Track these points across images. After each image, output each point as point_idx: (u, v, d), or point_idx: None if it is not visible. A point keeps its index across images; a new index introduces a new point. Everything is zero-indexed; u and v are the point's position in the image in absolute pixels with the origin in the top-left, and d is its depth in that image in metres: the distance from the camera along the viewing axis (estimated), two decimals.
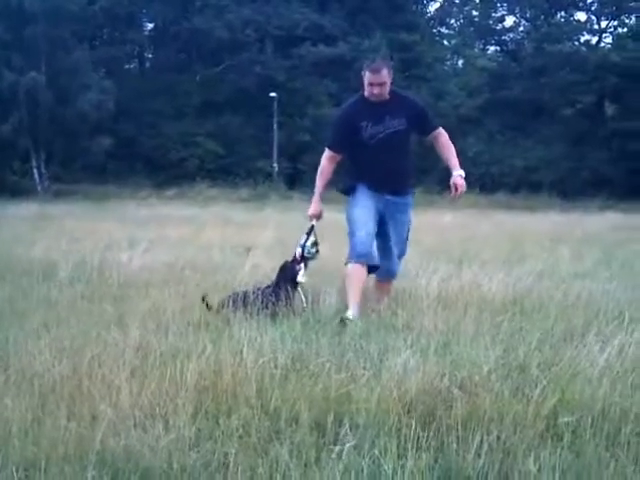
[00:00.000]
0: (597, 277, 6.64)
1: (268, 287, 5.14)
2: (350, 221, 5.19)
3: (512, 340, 3.88)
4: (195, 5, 38.57)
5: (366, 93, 5.16)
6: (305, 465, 2.35)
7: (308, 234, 5.23)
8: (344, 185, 5.33)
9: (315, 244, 5.21)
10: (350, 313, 4.60)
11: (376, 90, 5.08)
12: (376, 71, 5.07)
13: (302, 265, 5.16)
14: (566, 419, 2.67)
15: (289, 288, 5.03)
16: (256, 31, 38.19)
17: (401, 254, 5.43)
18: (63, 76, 31.31)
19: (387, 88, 5.13)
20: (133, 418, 2.72)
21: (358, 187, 5.22)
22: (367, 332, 4.09)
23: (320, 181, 5.30)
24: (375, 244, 5.16)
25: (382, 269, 5.22)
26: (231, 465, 2.37)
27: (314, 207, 5.30)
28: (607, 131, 37.99)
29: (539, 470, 2.32)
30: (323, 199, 5.30)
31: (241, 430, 2.62)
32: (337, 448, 2.40)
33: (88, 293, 5.65)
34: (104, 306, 4.98)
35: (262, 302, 4.76)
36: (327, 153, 5.28)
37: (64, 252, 7.69)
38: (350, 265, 5.00)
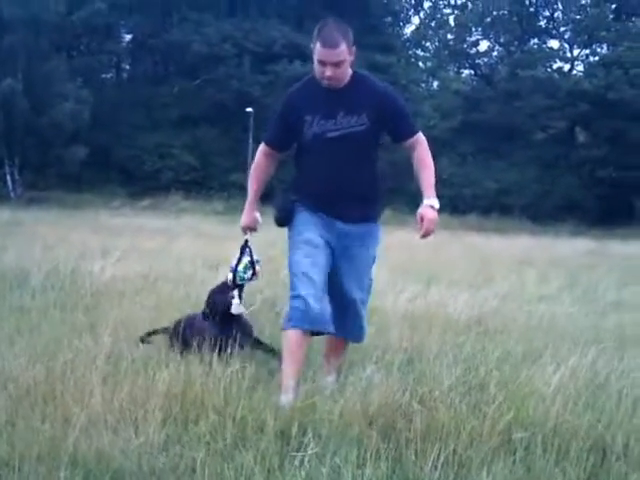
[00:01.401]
0: (560, 301, 6.83)
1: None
2: (291, 270, 3.61)
3: (473, 359, 4.02)
4: (174, 18, 38.69)
5: (319, 78, 3.58)
6: (269, 471, 2.46)
7: (241, 253, 4.01)
8: (279, 209, 3.78)
9: (251, 265, 4.00)
10: (284, 399, 3.23)
11: (329, 72, 3.51)
12: (329, 44, 3.47)
13: (235, 293, 4.11)
14: (519, 435, 2.80)
15: (220, 322, 4.13)
16: (234, 46, 38.43)
17: (363, 303, 3.80)
18: (40, 85, 31.26)
19: (346, 70, 3.58)
20: (105, 422, 2.81)
21: (297, 211, 3.71)
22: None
23: (253, 182, 3.91)
24: (327, 299, 3.60)
25: (339, 329, 3.66)
26: (198, 469, 2.47)
27: (247, 217, 3.95)
28: (578, 157, 38.71)
29: (489, 475, 2.44)
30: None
31: (208, 436, 2.72)
32: (300, 455, 2.52)
33: (61, 301, 5.66)
34: (76, 314, 5.04)
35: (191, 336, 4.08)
36: (262, 147, 3.91)
37: (37, 260, 7.71)
38: (289, 331, 3.49)
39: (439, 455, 2.60)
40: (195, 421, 2.89)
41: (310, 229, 3.63)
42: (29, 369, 3.34)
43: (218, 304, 4.17)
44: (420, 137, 3.78)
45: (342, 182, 3.65)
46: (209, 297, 4.28)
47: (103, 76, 42.65)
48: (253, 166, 3.94)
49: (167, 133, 36.65)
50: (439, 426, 2.78)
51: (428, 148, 3.80)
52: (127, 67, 44.79)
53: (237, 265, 4.01)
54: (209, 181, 34.95)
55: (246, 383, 3.29)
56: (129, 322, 4.71)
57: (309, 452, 2.50)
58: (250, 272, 4.02)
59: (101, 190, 31.03)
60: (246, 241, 4.02)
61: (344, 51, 3.48)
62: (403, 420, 2.84)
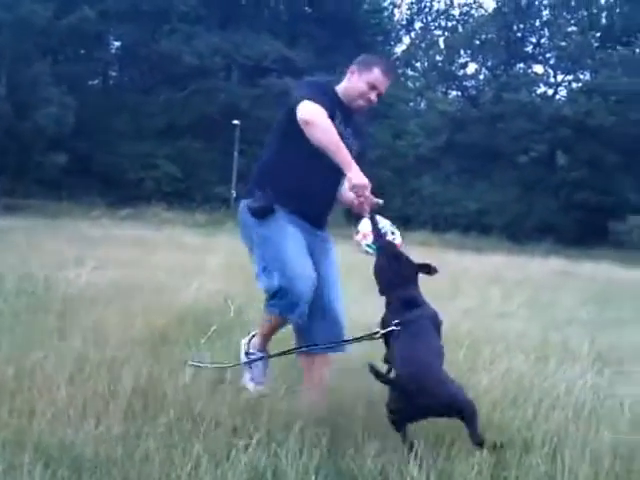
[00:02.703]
0: (518, 317, 7.12)
1: None
2: (282, 257, 3.55)
3: None
4: (164, 29, 38.96)
5: (356, 96, 3.72)
6: (216, 459, 2.70)
7: (375, 225, 3.59)
8: (259, 202, 3.67)
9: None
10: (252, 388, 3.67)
11: (374, 97, 3.73)
12: (390, 74, 3.77)
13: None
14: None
15: None
16: (224, 58, 38.77)
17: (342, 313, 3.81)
18: (24, 89, 31.20)
19: None
20: (68, 416, 3.04)
21: (279, 212, 3.66)
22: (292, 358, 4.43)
23: (340, 144, 3.44)
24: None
25: (323, 336, 3.64)
26: (150, 458, 2.70)
27: (361, 175, 3.43)
28: (557, 180, 39.31)
29: (416, 465, 2.69)
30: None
31: (164, 428, 2.96)
32: (242, 443, 2.77)
33: (33, 305, 5.78)
34: (48, 318, 5.22)
35: None
36: (321, 110, 3.47)
37: (11, 265, 7.85)
38: (276, 317, 3.63)
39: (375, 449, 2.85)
40: (155, 417, 3.12)
41: (294, 228, 3.66)
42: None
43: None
44: None
45: (331, 198, 3.84)
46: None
47: (90, 83, 42.81)
48: (326, 128, 3.44)
49: (151, 143, 36.75)
50: (378, 423, 3.04)
51: None
52: (114, 74, 44.99)
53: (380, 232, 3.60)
54: (192, 193, 35.00)
55: (208, 386, 3.53)
56: (99, 327, 4.91)
57: (253, 441, 2.74)
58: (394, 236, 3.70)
59: (81, 198, 30.87)
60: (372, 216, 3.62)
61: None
62: (346, 416, 3.10)
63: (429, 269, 3.49)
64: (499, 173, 40.18)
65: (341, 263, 3.94)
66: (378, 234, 3.56)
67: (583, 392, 3.75)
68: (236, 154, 35.97)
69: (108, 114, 37.02)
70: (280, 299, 3.52)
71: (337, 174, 3.55)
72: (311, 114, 3.45)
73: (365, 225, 3.65)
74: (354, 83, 3.71)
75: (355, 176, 3.39)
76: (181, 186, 35.69)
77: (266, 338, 3.82)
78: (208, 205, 33.35)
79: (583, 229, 35.96)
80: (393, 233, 3.71)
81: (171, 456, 2.70)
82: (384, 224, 3.67)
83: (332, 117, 3.52)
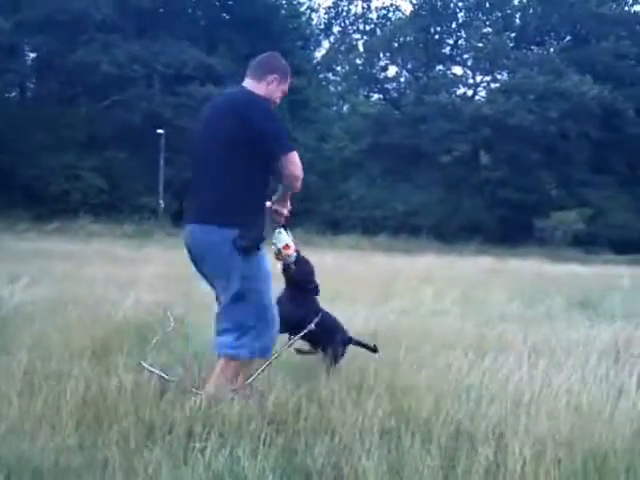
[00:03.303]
0: (452, 314, 7.36)
1: None
2: (265, 303, 3.80)
3: (366, 364, 4.42)
4: (81, 39, 38.25)
5: (275, 100, 4.04)
6: (175, 464, 2.77)
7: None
8: (247, 241, 3.73)
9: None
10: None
11: (279, 100, 4.12)
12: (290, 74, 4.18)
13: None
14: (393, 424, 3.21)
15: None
16: (143, 67, 38.29)
17: None
18: None
19: None
20: (22, 428, 3.06)
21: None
22: None
23: None
24: None
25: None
26: (110, 466, 2.76)
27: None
28: (481, 179, 40.32)
29: (368, 459, 2.82)
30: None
31: (118, 436, 3.01)
32: (200, 447, 2.85)
33: None
34: None
35: None
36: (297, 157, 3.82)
37: None
38: (248, 361, 3.80)
39: (326, 445, 2.97)
40: (108, 426, 3.17)
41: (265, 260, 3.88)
42: None
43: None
44: None
45: None
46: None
47: (6, 95, 41.72)
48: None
49: (75, 154, 35.97)
50: (325, 421, 3.16)
51: None
52: (32, 86, 43.93)
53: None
54: (119, 204, 34.48)
55: (153, 392, 3.59)
56: (41, 342, 4.89)
57: (210, 443, 2.82)
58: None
59: (4, 213, 30.10)
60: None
61: None
62: (296, 417, 3.20)
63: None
64: (424, 174, 40.94)
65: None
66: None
67: (520, 383, 3.95)
68: (162, 163, 35.63)
69: (27, 127, 36.04)
70: (253, 340, 3.72)
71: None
72: (301, 170, 3.81)
73: (282, 238, 4.17)
74: (272, 91, 3.97)
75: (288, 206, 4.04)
76: (107, 198, 35.08)
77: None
78: (136, 216, 32.96)
79: (509, 227, 36.99)
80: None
81: (130, 462, 2.76)
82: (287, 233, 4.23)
83: None
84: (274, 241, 4.16)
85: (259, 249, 3.77)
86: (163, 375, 3.93)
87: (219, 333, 3.81)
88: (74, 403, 3.32)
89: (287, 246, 4.19)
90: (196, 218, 3.85)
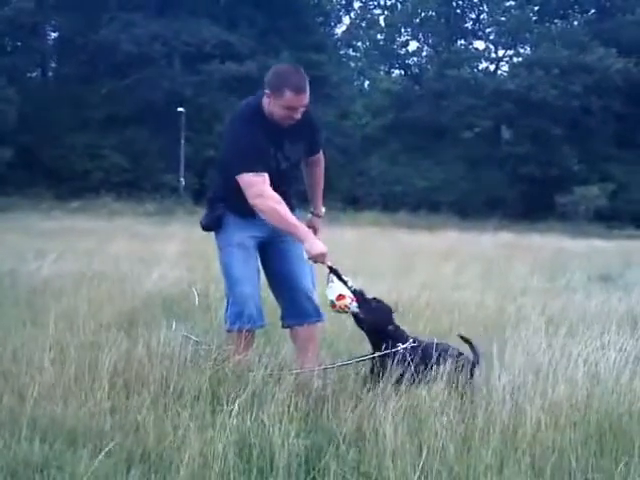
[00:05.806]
0: (473, 289, 7.42)
1: None
2: (227, 273, 3.95)
3: None
4: (102, 18, 38.36)
5: (279, 119, 3.76)
6: (203, 425, 2.88)
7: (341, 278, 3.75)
8: (207, 215, 4.01)
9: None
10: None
11: (297, 115, 3.75)
12: (301, 91, 3.70)
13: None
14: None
15: None
16: (164, 46, 38.32)
17: (313, 285, 4.04)
18: None
19: None
20: (56, 394, 3.19)
21: (226, 216, 3.94)
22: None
23: (287, 214, 3.71)
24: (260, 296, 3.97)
25: (300, 316, 3.96)
26: (141, 428, 2.88)
27: (316, 244, 3.68)
28: (502, 154, 40.06)
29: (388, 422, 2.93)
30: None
31: (149, 402, 3.13)
32: (227, 409, 2.95)
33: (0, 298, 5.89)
34: (18, 309, 5.32)
35: None
36: (260, 179, 3.68)
37: None
38: (235, 333, 3.85)
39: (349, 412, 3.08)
40: (138, 392, 3.29)
41: (240, 232, 3.89)
42: None
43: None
44: (321, 154, 4.17)
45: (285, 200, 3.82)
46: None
47: (28, 75, 41.98)
48: (272, 204, 3.67)
49: (96, 133, 36.23)
50: (350, 389, 3.27)
51: (323, 166, 4.24)
52: (53, 66, 44.18)
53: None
54: (141, 182, 34.71)
55: (181, 363, 3.70)
56: (70, 315, 5.02)
57: (236, 404, 2.93)
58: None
59: (28, 192, 30.46)
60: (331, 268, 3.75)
61: (308, 95, 3.74)
62: (319, 383, 3.32)
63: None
64: (445, 150, 40.71)
65: None
66: (357, 294, 3.73)
67: (539, 353, 4.01)
68: (182, 142, 35.80)
69: (49, 106, 36.41)
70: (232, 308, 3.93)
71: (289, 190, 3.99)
72: (254, 196, 3.66)
73: (333, 289, 3.70)
74: (272, 108, 3.74)
75: (312, 247, 3.65)
76: (129, 176, 35.32)
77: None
78: (158, 194, 33.20)
79: (530, 202, 36.77)
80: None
81: (160, 425, 2.87)
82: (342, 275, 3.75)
83: (268, 147, 3.77)
84: (326, 293, 3.73)
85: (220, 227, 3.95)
86: (198, 340, 4.10)
87: None
88: (105, 370, 3.43)
89: (341, 296, 3.67)
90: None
